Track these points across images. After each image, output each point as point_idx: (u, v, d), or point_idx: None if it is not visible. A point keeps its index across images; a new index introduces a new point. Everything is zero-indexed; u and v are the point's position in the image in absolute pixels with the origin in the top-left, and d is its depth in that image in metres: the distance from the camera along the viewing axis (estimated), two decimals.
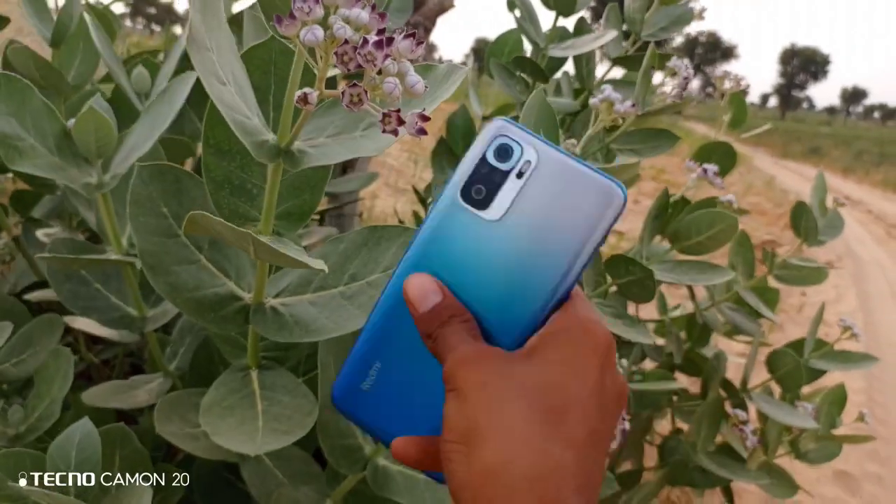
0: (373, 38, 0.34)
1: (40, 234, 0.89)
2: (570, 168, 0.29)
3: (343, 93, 0.35)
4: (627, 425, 0.89)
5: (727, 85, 1.16)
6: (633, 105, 0.72)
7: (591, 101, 0.75)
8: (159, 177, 0.54)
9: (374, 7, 0.35)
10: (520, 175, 0.29)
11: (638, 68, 0.89)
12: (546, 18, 1.15)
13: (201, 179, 0.51)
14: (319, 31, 0.35)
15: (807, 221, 1.09)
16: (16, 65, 0.80)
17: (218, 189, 0.51)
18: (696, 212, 0.92)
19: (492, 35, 1.32)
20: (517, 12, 1.12)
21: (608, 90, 0.73)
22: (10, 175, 1.03)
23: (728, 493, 1.19)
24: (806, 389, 1.21)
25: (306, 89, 0.37)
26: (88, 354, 1.03)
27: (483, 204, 0.29)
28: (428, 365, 0.29)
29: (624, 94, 0.74)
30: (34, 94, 0.60)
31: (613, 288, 0.86)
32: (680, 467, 1.10)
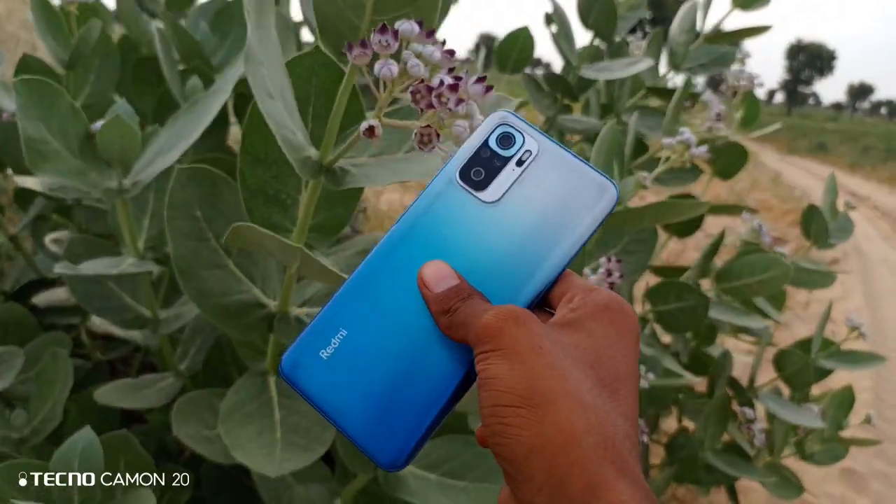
0: (447, 79, 0.35)
1: (48, 240, 0.89)
2: (569, 161, 0.30)
3: (415, 133, 0.36)
4: (646, 438, 0.90)
5: (740, 83, 1.16)
6: (708, 151, 0.74)
7: (666, 141, 0.76)
8: (196, 179, 0.55)
9: (444, 44, 0.36)
10: (520, 163, 0.30)
11: (670, 99, 0.90)
12: (580, 32, 1.17)
13: (236, 185, 0.51)
14: (395, 67, 0.35)
15: (817, 225, 1.09)
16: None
17: (252, 197, 0.51)
18: (749, 255, 0.92)
19: (495, 29, 1.33)
20: (553, 28, 1.13)
21: (686, 133, 0.74)
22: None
23: (732, 493, 1.19)
24: (813, 390, 1.21)
25: (372, 121, 0.37)
26: (95, 352, 1.02)
27: (481, 186, 0.30)
28: (407, 343, 0.28)
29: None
30: (63, 97, 0.60)
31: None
32: (688, 464, 1.10)
